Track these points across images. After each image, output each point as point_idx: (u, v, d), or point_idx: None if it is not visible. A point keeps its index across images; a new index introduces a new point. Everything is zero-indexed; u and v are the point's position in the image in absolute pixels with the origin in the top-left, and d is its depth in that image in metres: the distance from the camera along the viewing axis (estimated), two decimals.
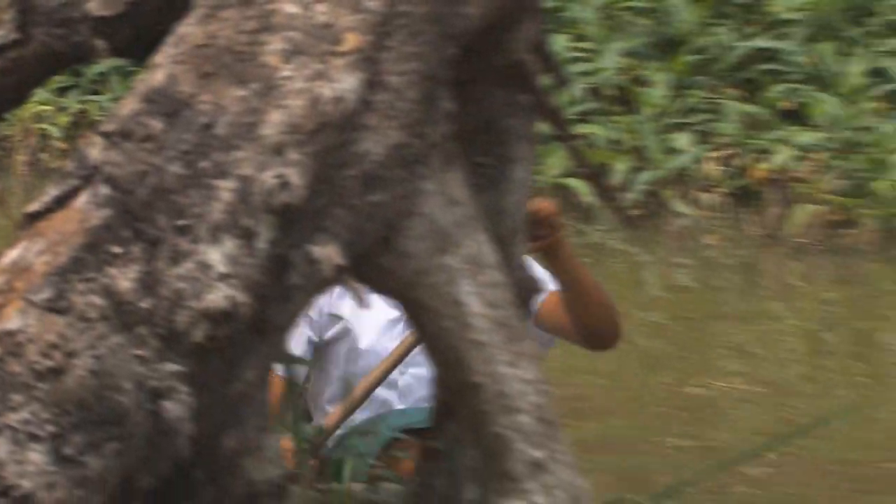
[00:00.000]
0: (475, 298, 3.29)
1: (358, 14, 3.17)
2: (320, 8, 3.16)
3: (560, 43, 12.70)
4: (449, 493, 3.57)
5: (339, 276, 3.15)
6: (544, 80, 3.64)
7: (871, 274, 11.52)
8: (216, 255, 3.02)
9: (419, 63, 3.22)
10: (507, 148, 3.56)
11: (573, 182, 12.06)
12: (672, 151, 12.23)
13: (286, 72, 3.12)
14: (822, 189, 11.82)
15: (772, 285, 11.64)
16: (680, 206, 12.17)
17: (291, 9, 3.15)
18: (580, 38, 12.68)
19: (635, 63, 12.62)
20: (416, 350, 5.55)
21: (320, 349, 5.73)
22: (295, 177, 3.06)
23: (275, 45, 3.14)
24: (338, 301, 5.74)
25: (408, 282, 3.26)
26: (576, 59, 12.63)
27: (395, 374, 5.71)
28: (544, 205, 5.50)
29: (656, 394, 9.47)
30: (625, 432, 8.74)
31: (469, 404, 3.32)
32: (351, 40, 3.16)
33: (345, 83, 3.13)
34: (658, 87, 12.32)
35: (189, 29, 3.19)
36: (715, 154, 12.29)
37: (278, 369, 5.63)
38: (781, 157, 12.00)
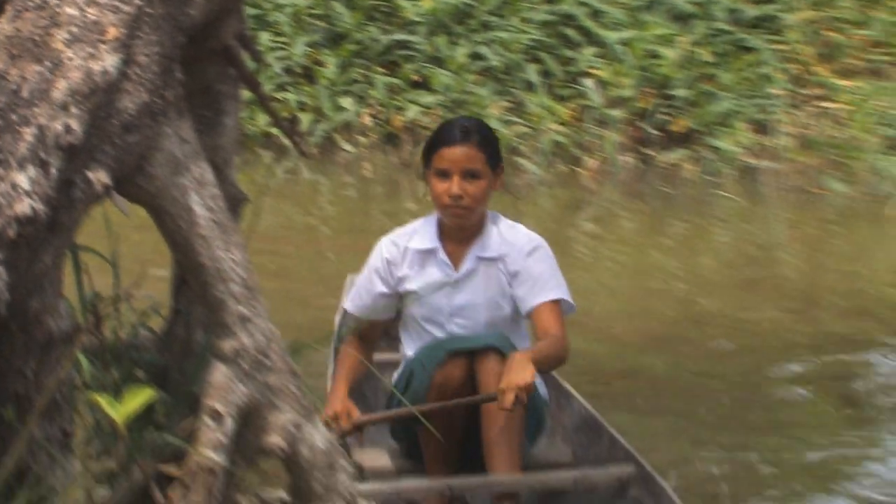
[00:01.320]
0: (200, 206, 3.30)
1: (117, 14, 3.17)
2: (91, 10, 3.16)
3: (264, 38, 12.62)
4: (186, 337, 3.56)
5: (107, 192, 3.14)
6: (246, 59, 3.64)
7: None
8: (23, 178, 3.01)
9: (159, 47, 3.23)
10: (221, 105, 3.58)
11: (274, 130, 12.01)
12: (340, 109, 12.19)
13: (69, 54, 3.12)
14: None
15: (407, 196, 11.67)
16: (346, 146, 12.14)
17: (72, 11, 3.14)
18: (278, 34, 12.57)
19: (315, 51, 12.55)
20: (465, 309, 5.42)
21: (396, 296, 5.44)
22: (75, 125, 3.07)
23: (61, 35, 3.13)
24: (405, 259, 5.45)
25: (155, 195, 3.27)
26: (275, 48, 12.54)
27: (446, 322, 5.43)
28: (511, 393, 4.92)
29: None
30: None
31: (197, 277, 3.34)
32: (112, 32, 3.16)
33: (109, 62, 3.13)
34: (330, 67, 12.28)
35: (2, 25, 3.16)
36: (368, 111, 12.26)
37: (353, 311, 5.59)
38: (412, 112, 12.03)
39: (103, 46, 3.15)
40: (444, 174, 5.25)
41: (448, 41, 12.31)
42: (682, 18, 11.95)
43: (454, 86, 12.02)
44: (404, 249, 5.42)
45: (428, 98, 12.10)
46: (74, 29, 3.15)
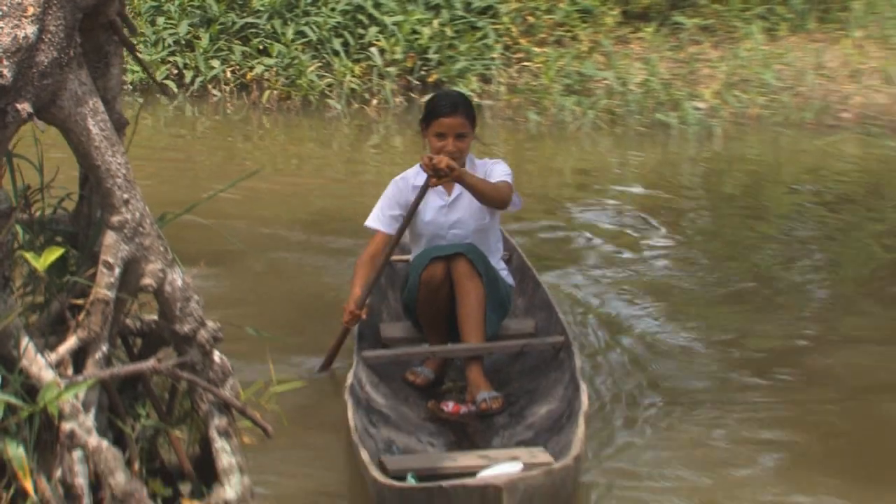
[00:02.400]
0: (95, 127, 3.24)
1: None
2: None
3: (160, 20, 12.24)
4: (89, 214, 3.50)
5: (30, 117, 3.06)
6: (127, 31, 3.55)
7: (302, 123, 11.46)
8: None
9: (64, 20, 3.15)
10: (108, 59, 3.48)
11: (169, 82, 11.75)
12: (211, 68, 11.92)
13: (1, 24, 3.01)
14: (275, 84, 11.67)
15: (252, 127, 11.46)
16: (215, 92, 11.88)
17: None
18: (170, 18, 12.18)
19: (194, 29, 12.21)
20: (458, 222, 5.28)
21: (404, 218, 5.23)
22: (7, 73, 3.00)
23: None
24: (412, 192, 5.25)
25: (63, 119, 3.20)
26: (168, 27, 12.16)
27: (446, 234, 5.29)
28: (442, 161, 4.93)
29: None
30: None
31: (94, 174, 3.29)
32: (31, 10, 3.07)
33: (29, 30, 3.05)
34: (204, 40, 11.97)
35: None
36: (229, 69, 11.99)
37: (378, 227, 5.35)
38: (258, 70, 11.80)
39: (25, 20, 3.06)
40: (442, 136, 5.16)
41: (281, 23, 12.08)
42: (433, 7, 11.90)
43: (286, 52, 11.82)
44: (412, 185, 5.33)
45: (269, 61, 11.87)
46: (4, 8, 3.06)
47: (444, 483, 3.58)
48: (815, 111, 11.06)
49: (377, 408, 4.86)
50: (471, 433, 4.86)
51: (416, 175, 5.38)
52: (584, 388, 4.60)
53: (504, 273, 5.45)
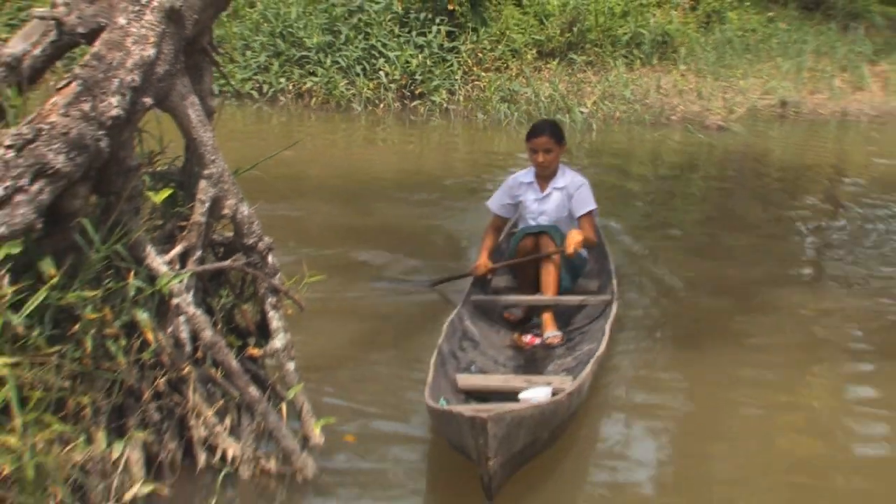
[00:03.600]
0: (194, 113, 3.16)
1: (153, 31, 2.98)
2: (143, 29, 2.96)
3: (249, 54, 11.89)
4: (190, 169, 3.39)
5: (151, 107, 2.98)
6: (216, 54, 3.44)
7: (336, 118, 11.19)
8: (114, 101, 2.88)
9: (173, 45, 3.07)
10: (202, 71, 3.38)
11: (253, 91, 11.44)
12: (279, 83, 11.52)
13: (133, 48, 2.95)
14: (319, 94, 11.34)
15: (304, 121, 11.15)
16: (282, 98, 11.53)
17: (134, 29, 2.90)
18: (254, 51, 11.83)
19: (269, 59, 11.83)
20: (546, 211, 4.79)
21: (514, 206, 4.87)
22: (137, 78, 2.92)
23: (130, 39, 2.90)
24: (519, 187, 4.82)
25: (173, 108, 3.12)
26: (252, 58, 11.84)
27: (537, 217, 4.79)
28: (574, 247, 4.52)
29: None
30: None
31: (193, 144, 3.22)
32: (151, 38, 3.00)
33: (150, 51, 2.98)
34: (275, 66, 11.52)
35: (104, 35, 2.94)
36: (291, 84, 11.68)
37: (493, 209, 4.90)
38: (308, 84, 11.48)
39: (148, 45, 2.97)
40: (534, 151, 4.76)
41: (324, 55, 11.81)
42: (419, 47, 11.67)
43: (326, 74, 11.58)
44: (519, 182, 4.95)
45: (315, 79, 11.59)
46: (135, 37, 2.97)
47: (453, 409, 3.01)
48: (655, 115, 11.06)
49: (471, 336, 4.38)
50: (537, 359, 4.40)
51: (524, 174, 4.99)
52: (607, 337, 4.08)
53: (582, 251, 4.92)
